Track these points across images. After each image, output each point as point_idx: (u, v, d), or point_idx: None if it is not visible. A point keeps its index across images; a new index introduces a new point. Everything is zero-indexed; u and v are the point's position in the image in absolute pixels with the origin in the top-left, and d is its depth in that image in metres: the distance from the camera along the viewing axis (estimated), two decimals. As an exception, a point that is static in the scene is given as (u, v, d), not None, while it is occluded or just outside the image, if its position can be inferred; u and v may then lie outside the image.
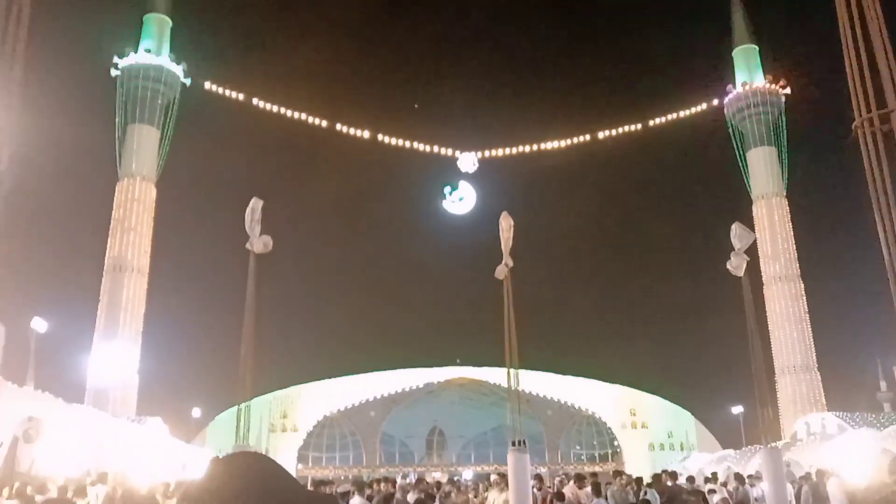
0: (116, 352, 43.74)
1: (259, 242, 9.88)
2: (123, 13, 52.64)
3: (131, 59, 49.62)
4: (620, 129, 50.98)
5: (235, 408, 54.90)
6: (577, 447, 59.76)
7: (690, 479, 17.31)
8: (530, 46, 79.92)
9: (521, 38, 79.72)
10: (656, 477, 18.57)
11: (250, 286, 10.24)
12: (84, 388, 42.37)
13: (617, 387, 57.00)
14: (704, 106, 55.40)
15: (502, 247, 11.87)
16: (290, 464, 52.37)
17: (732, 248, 11.75)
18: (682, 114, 54.20)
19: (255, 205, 10.51)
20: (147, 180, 49.08)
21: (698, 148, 56.63)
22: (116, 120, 48.88)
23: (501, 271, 11.54)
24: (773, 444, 11.56)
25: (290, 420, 54.25)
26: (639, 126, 52.20)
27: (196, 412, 48.81)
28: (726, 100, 55.96)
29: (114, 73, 49.32)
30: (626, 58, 79.78)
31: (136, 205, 48.26)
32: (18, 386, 18.06)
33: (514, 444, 10.00)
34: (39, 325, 25.60)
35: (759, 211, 51.99)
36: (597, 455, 58.21)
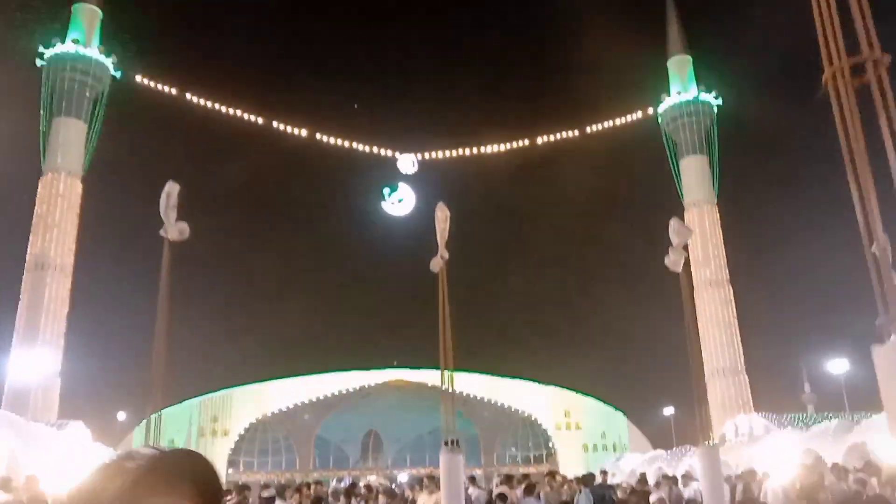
0: (37, 353, 41.88)
1: (174, 229, 9.39)
2: (51, 2, 50.58)
3: (58, 50, 47.66)
4: (558, 135, 51.61)
5: (165, 411, 53.31)
6: (513, 449, 60.11)
7: (642, 478, 17.42)
8: (471, 49, 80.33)
9: (463, 40, 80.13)
10: (589, 477, 18.69)
11: (164, 276, 9.73)
12: (1, 392, 40.44)
13: (552, 388, 57.60)
14: (640, 114, 56.54)
15: (438, 238, 11.62)
16: (220, 469, 51.05)
17: (670, 244, 11.80)
18: (618, 121, 55.19)
19: (171, 189, 9.97)
20: (73, 175, 47.22)
21: (633, 155, 57.80)
22: (41, 112, 46.85)
23: (437, 264, 11.31)
24: (711, 443, 11.59)
25: (221, 424, 52.95)
26: (576, 132, 52.95)
27: (121, 416, 47.14)
28: (660, 108, 57.21)
29: (39, 63, 47.28)
30: (564, 64, 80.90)
31: (60, 200, 46.34)
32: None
33: (447, 443, 9.75)
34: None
35: (690, 217, 53.22)
36: (532, 456, 58.62)
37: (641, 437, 55.29)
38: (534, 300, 64.98)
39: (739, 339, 50.83)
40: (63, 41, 47.67)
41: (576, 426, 57.07)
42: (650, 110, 56.75)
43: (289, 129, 46.29)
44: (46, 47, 47.41)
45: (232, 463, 53.40)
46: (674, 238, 11.18)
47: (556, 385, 57.84)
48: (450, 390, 10.44)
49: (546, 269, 63.44)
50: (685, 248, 12.80)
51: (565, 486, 18.25)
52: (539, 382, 57.58)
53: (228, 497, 16.55)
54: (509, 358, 59.52)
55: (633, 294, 58.04)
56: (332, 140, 45.93)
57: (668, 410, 57.66)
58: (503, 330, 63.99)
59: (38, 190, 45.94)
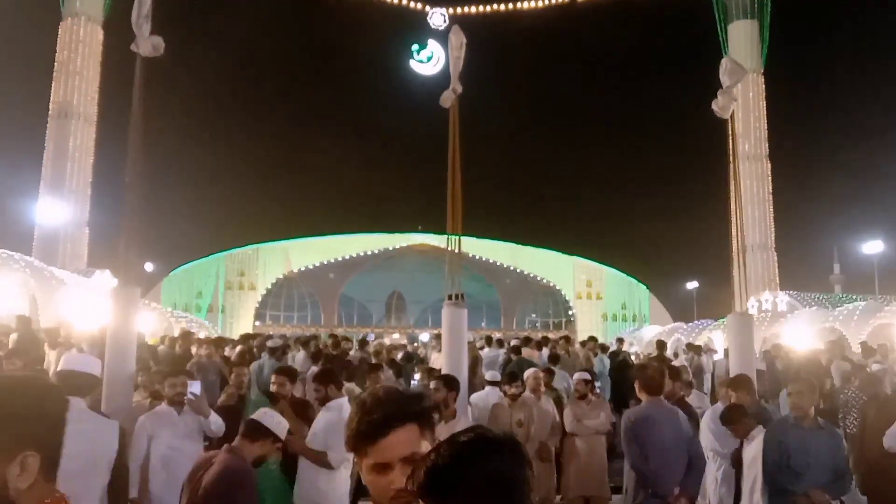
0: (64, 202, 42.16)
1: (147, 43, 8.52)
2: None
3: None
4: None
5: (192, 264, 54.45)
6: (533, 315, 61.01)
7: (660, 345, 17.17)
8: None
9: None
10: (599, 344, 18.54)
11: (136, 97, 9.00)
12: (31, 239, 41.06)
13: (575, 258, 57.54)
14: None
15: (451, 69, 10.63)
16: (247, 322, 52.60)
17: (720, 87, 10.72)
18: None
19: None
20: (93, 21, 45.56)
21: (678, 19, 54.22)
22: (58, -47, 44.66)
23: (448, 98, 10.40)
24: (744, 310, 10.98)
25: (248, 278, 54.03)
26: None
27: (149, 267, 48.00)
28: (711, -34, 53.06)
29: None
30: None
31: (81, 47, 45.02)
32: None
33: (450, 297, 9.23)
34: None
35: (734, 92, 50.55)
36: (551, 323, 59.50)
37: (662, 311, 55.60)
38: (562, 167, 63.64)
39: (773, 215, 49.59)
40: None
41: (597, 296, 57.47)
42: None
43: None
44: None
45: (259, 316, 54.94)
46: (725, 79, 10.08)
47: (579, 256, 57.75)
48: (455, 246, 9.78)
49: (577, 134, 61.54)
50: (725, 121, 11.69)
51: (580, 348, 18.14)
52: (563, 252, 57.49)
53: (231, 344, 16.60)
54: (534, 226, 59.05)
55: (667, 162, 56.32)
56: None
57: (692, 284, 57.52)
58: (528, 197, 63.13)
59: (59, 35, 44.58)
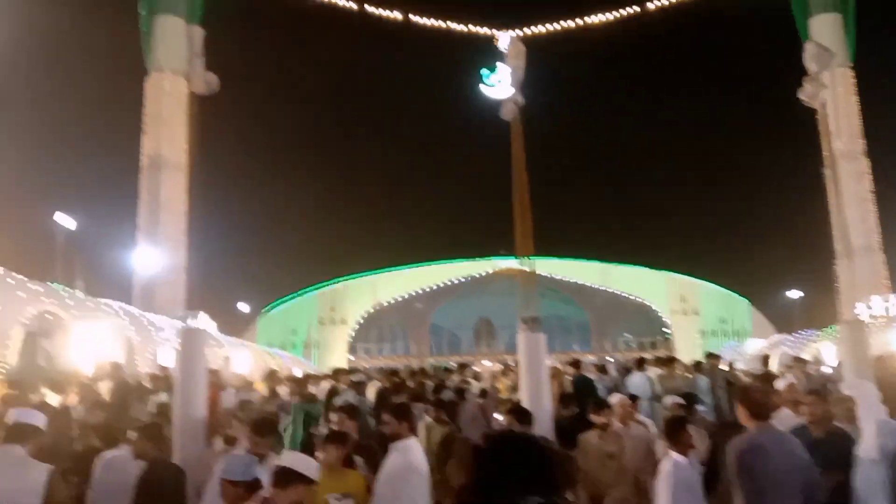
0: (160, 249, 43.88)
1: (201, 81, 8.52)
2: None
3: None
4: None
5: (284, 302, 55.66)
6: (627, 335, 59.32)
7: (764, 361, 16.07)
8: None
9: None
10: (708, 357, 17.40)
11: (191, 130, 8.99)
12: (130, 286, 42.86)
13: (667, 273, 55.72)
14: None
15: (511, 80, 10.24)
16: (340, 356, 53.28)
17: (805, 74, 9.91)
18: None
19: (194, 34, 9.04)
20: (178, 73, 47.63)
21: (757, 17, 52.25)
22: (140, 12, 47.11)
23: (509, 110, 10.02)
24: (855, 318, 10.03)
25: (338, 313, 54.84)
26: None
27: (244, 307, 49.40)
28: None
29: (134, -39, 47.17)
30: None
31: (167, 99, 47.13)
32: (48, 282, 17.66)
33: (524, 321, 8.70)
34: (66, 221, 25.32)
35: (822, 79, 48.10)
36: (646, 342, 57.66)
37: (764, 322, 52.95)
38: (647, 180, 62.08)
39: (876, 215, 46.58)
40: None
41: (693, 312, 55.35)
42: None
43: (383, 12, 44.82)
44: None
45: (351, 349, 55.61)
46: (811, 65, 9.31)
47: (671, 271, 55.88)
48: (528, 266, 9.32)
49: (660, 145, 59.97)
50: (813, 117, 10.84)
51: (679, 370, 17.16)
52: (654, 268, 55.79)
53: (324, 378, 16.55)
54: (622, 243, 57.69)
55: (756, 166, 54.09)
56: (427, 21, 44.15)
57: (794, 294, 54.61)
58: (614, 213, 61.83)
59: (146, 89, 46.84)
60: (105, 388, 12.14)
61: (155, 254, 42.81)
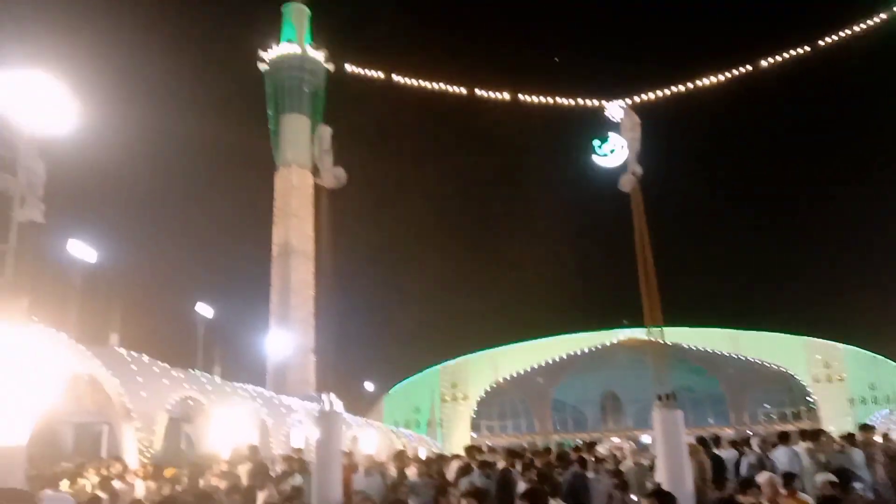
0: (291, 332, 45.72)
1: (329, 175, 9.05)
2: (264, 6, 54.59)
3: (275, 52, 51.29)
4: (785, 55, 45.89)
5: (408, 380, 56.15)
6: (766, 406, 55.63)
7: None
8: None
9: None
10: (862, 429, 15.93)
11: (324, 224, 9.46)
12: (264, 369, 44.70)
13: (807, 338, 52.31)
14: (884, 16, 48.56)
15: (627, 151, 10.20)
16: (464, 433, 52.85)
17: None
18: (855, 29, 47.81)
19: (323, 133, 9.70)
20: (303, 167, 50.63)
21: (878, 66, 49.99)
22: (268, 112, 50.86)
23: (627, 181, 9.93)
24: None
25: (460, 390, 54.73)
26: (807, 48, 46.78)
27: (369, 386, 50.28)
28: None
29: (261, 66, 51.25)
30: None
31: (295, 192, 50.01)
32: (189, 369, 18.76)
33: (659, 398, 8.37)
34: (205, 310, 27.06)
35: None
36: (788, 413, 53.87)
37: (921, 387, 48.48)
38: (775, 241, 59.28)
39: None
40: (278, 42, 51.23)
41: (838, 378, 51.44)
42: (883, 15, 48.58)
43: (491, 93, 46.18)
44: (264, 50, 51.25)
45: (474, 426, 55.08)
46: None
47: (810, 335, 52.44)
48: (658, 337, 9.05)
49: (782, 205, 57.39)
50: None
51: (829, 443, 15.80)
52: (790, 333, 52.56)
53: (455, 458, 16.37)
54: (753, 308, 54.97)
55: (892, 217, 50.59)
56: (535, 98, 45.07)
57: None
58: (742, 278, 59.17)
59: (275, 183, 49.96)
60: (243, 471, 12.59)
61: (286, 337, 44.63)
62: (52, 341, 11.40)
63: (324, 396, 29.78)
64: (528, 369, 55.20)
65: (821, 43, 47.04)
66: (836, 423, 48.80)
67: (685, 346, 51.58)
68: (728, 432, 42.22)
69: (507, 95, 46.02)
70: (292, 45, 51.30)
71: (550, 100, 44.76)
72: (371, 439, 31.34)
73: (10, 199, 8.78)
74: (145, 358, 15.84)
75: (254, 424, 19.51)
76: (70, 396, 13.36)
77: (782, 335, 52.35)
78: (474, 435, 53.55)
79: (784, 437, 15.16)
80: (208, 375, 19.05)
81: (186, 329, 28.56)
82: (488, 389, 55.40)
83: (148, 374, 15.21)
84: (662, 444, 8.38)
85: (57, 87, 9.44)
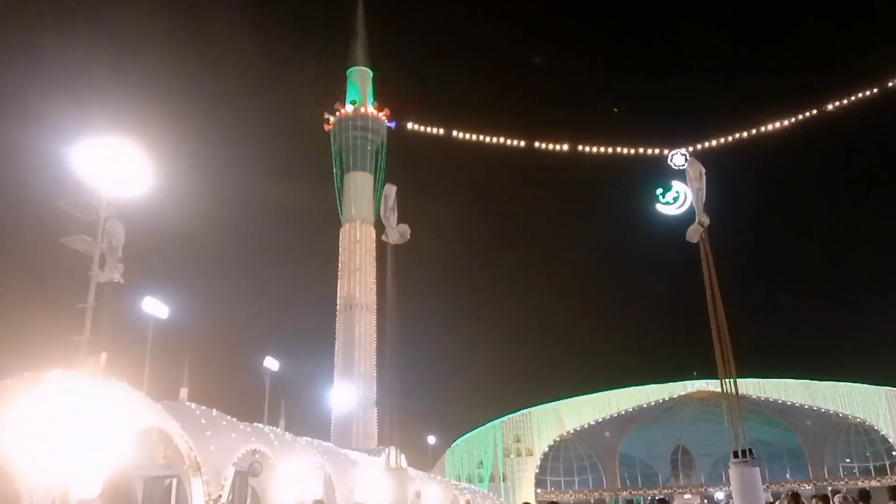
0: (354, 385, 45.98)
1: (395, 232, 9.29)
2: (329, 70, 56.65)
3: (341, 113, 53.03)
4: (853, 97, 44.88)
5: (471, 433, 55.61)
6: (847, 460, 52.87)
7: None
8: (735, 18, 73.76)
9: (726, 9, 73.88)
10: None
11: (389, 278, 9.66)
12: (328, 423, 44.94)
13: (887, 388, 49.80)
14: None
15: (693, 202, 10.16)
16: (528, 489, 51.73)
17: None
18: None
19: (389, 191, 10.00)
20: (366, 223, 51.63)
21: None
22: (334, 170, 52.33)
23: (695, 232, 9.86)
24: None
25: (524, 444, 53.75)
26: (874, 90, 45.67)
27: (431, 439, 49.92)
28: None
29: (327, 128, 53.00)
30: (850, 19, 71.21)
31: (359, 246, 50.92)
32: (255, 423, 19.05)
33: (736, 455, 8.15)
34: (271, 364, 27.52)
35: None
36: (871, 468, 51.04)
37: None
38: (851, 287, 57.09)
39: None
40: (343, 104, 52.99)
41: (925, 431, 48.67)
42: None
43: (550, 146, 46.41)
44: (331, 112, 53.05)
45: (539, 482, 53.87)
46: None
47: (891, 385, 49.93)
48: (731, 388, 8.87)
49: (860, 247, 55.40)
50: None
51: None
52: (871, 383, 50.16)
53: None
54: (831, 357, 52.77)
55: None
56: (594, 149, 45.13)
57: None
58: (816, 326, 56.96)
59: (340, 239, 51.01)
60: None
61: (349, 390, 44.90)
62: (125, 395, 11.81)
63: (386, 450, 29.77)
64: (595, 422, 53.97)
65: (889, 85, 45.93)
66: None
67: (759, 397, 49.78)
68: (807, 488, 40.33)
69: (566, 147, 46.27)
70: (356, 106, 53.01)
71: (609, 149, 44.83)
72: (434, 494, 31.00)
73: (90, 260, 9.28)
74: (213, 412, 16.19)
75: (318, 478, 19.59)
76: (141, 450, 13.72)
77: (862, 385, 50.03)
78: (539, 490, 52.37)
79: (865, 496, 14.39)
80: (274, 429, 19.29)
81: (253, 383, 29.05)
82: (553, 443, 54.28)
83: (216, 427, 15.52)
84: (740, 500, 8.13)
85: (134, 152, 10.01)
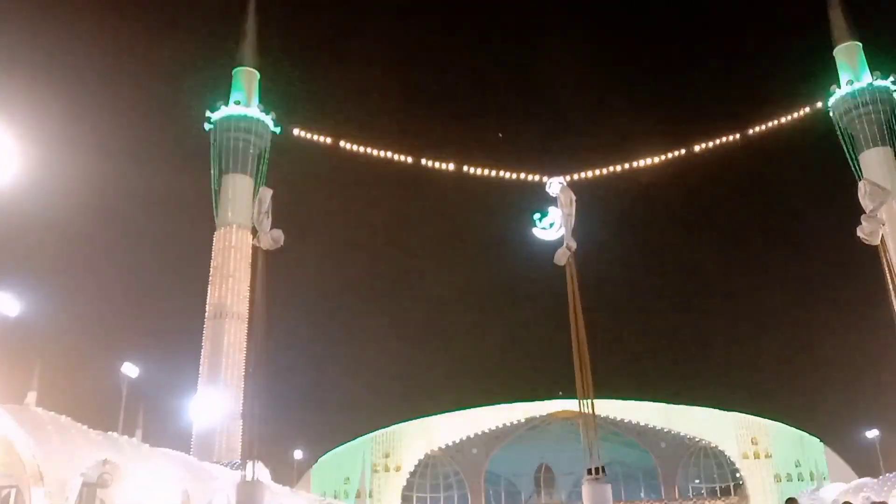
0: (219, 395, 44.41)
1: (267, 237, 9.11)
2: (214, 68, 54.91)
3: (223, 112, 51.46)
4: (717, 140, 48.37)
5: (338, 448, 54.81)
6: (697, 481, 56.09)
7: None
8: (614, 58, 77.80)
9: (607, 51, 77.82)
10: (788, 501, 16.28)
11: (259, 285, 9.46)
12: (189, 435, 43.11)
13: (734, 414, 53.34)
14: (807, 109, 52.04)
15: (563, 226, 10.57)
16: (395, 505, 51.48)
17: (862, 211, 10.05)
18: (783, 119, 51.01)
19: (263, 195, 9.80)
20: (243, 228, 50.21)
21: (804, 154, 53.08)
22: (212, 171, 50.59)
23: (562, 255, 10.26)
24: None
25: (393, 460, 53.50)
26: (737, 136, 49.47)
27: (298, 454, 48.79)
28: (830, 101, 52.53)
29: (207, 126, 51.23)
30: (720, 65, 76.57)
31: (233, 252, 49.41)
32: (109, 432, 17.97)
33: (589, 472, 8.48)
34: (130, 370, 26.10)
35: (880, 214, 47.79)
36: (718, 489, 54.40)
37: (842, 465, 49.67)
38: (707, 318, 60.99)
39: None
40: (227, 104, 51.47)
41: (765, 454, 52.40)
42: (819, 104, 52.22)
43: (437, 164, 47.10)
44: (212, 111, 51.38)
45: (405, 499, 53.70)
46: (866, 203, 9.48)
47: (739, 411, 53.52)
48: (588, 409, 9.22)
49: (716, 282, 59.39)
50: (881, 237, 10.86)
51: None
52: (720, 408, 53.56)
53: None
54: (684, 383, 55.95)
55: (819, 297, 52.73)
56: (479, 171, 46.17)
57: (873, 433, 51.44)
58: (675, 353, 60.41)
59: (213, 243, 49.29)
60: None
61: (213, 401, 43.28)
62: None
63: (248, 465, 29.04)
64: (464, 438, 54.49)
65: (750, 132, 49.75)
66: (763, 499, 49.60)
67: (618, 418, 51.96)
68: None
69: (451, 166, 47.08)
70: (240, 107, 51.61)
71: (493, 172, 45.97)
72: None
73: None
74: (63, 418, 15.14)
75: (174, 492, 18.76)
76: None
77: (713, 410, 53.26)
78: (404, 508, 52.25)
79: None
80: (129, 439, 18.28)
81: (110, 389, 27.42)
82: (421, 459, 54.33)
83: (63, 435, 14.52)
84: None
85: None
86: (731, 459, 53.16)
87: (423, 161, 48.28)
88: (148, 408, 32.94)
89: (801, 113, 51.81)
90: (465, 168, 47.26)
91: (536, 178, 45.01)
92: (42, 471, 12.86)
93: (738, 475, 53.24)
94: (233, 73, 53.18)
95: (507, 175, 45.87)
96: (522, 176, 45.11)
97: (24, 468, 12.81)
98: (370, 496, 52.18)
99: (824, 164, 52.91)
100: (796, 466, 51.49)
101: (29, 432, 13.17)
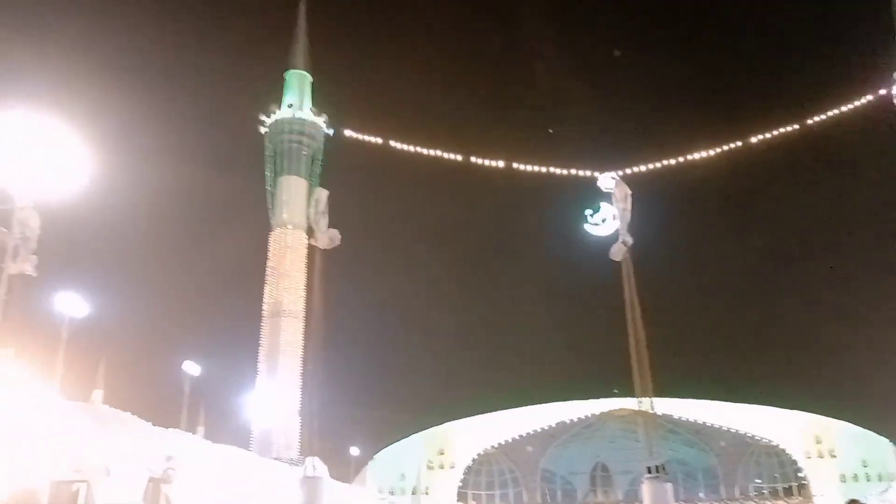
0: (278, 393, 45.18)
1: (325, 237, 9.22)
2: (267, 72, 55.90)
3: (277, 116, 52.34)
4: (775, 131, 46.96)
5: (394, 445, 55.22)
6: (758, 480, 54.74)
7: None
8: (668, 51, 76.35)
9: (657, 45, 76.49)
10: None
11: (316, 283, 9.58)
12: (249, 431, 44.01)
13: (798, 413, 51.83)
14: (871, 97, 50.15)
15: (619, 222, 10.43)
16: (450, 502, 51.58)
17: None
18: (843, 108, 49.25)
19: (320, 195, 9.93)
20: (298, 228, 50.97)
21: (866, 142, 51.20)
22: (266, 173, 51.55)
23: (618, 250, 10.13)
24: None
25: (447, 457, 53.61)
26: (796, 126, 47.94)
27: (355, 451, 49.35)
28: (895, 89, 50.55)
29: (262, 130, 52.20)
30: (776, 54, 74.53)
31: (289, 252, 50.22)
32: (172, 428, 18.49)
33: (649, 470, 8.35)
34: (192, 368, 26.79)
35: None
36: (780, 488, 52.98)
37: (914, 466, 47.82)
38: (770, 315, 59.43)
39: None
40: (280, 107, 52.37)
41: (829, 454, 50.79)
42: (882, 91, 50.28)
43: (487, 162, 46.99)
44: (266, 115, 52.32)
45: (461, 496, 53.78)
46: None
47: (803, 410, 51.97)
48: (649, 408, 9.09)
49: (772, 277, 57.82)
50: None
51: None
52: (782, 407, 52.11)
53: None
54: (746, 381, 54.65)
55: (886, 294, 50.81)
56: (529, 167, 45.88)
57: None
58: (736, 351, 59.06)
59: (269, 244, 50.22)
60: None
61: (272, 399, 44.09)
62: (34, 397, 11.32)
63: (307, 461, 29.33)
64: (518, 437, 54.26)
65: (809, 122, 48.24)
66: (828, 499, 48.08)
67: (677, 417, 51.05)
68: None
69: (501, 163, 46.92)
70: (293, 110, 52.42)
71: (544, 169, 45.61)
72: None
73: (3, 251, 8.88)
74: (128, 415, 15.67)
75: (236, 487, 19.16)
76: (49, 453, 13.16)
77: (775, 409, 51.89)
78: (460, 504, 52.35)
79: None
80: (192, 435, 18.79)
81: (173, 387, 28.25)
82: (476, 457, 54.30)
83: (129, 432, 15.03)
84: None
85: (58, 138, 9.63)
86: (794, 459, 51.73)
87: (473, 159, 48.21)
88: (209, 405, 33.83)
89: (864, 100, 49.89)
90: (514, 165, 47.06)
91: (587, 173, 44.50)
92: (109, 466, 13.33)
93: (800, 475, 51.77)
94: (285, 76, 54.05)
95: (558, 171, 45.54)
96: (573, 172, 44.69)
97: (91, 464, 13.28)
98: (426, 492, 52.40)
99: (893, 151, 50.95)
100: (863, 467, 49.78)
101: (96, 429, 13.66)
